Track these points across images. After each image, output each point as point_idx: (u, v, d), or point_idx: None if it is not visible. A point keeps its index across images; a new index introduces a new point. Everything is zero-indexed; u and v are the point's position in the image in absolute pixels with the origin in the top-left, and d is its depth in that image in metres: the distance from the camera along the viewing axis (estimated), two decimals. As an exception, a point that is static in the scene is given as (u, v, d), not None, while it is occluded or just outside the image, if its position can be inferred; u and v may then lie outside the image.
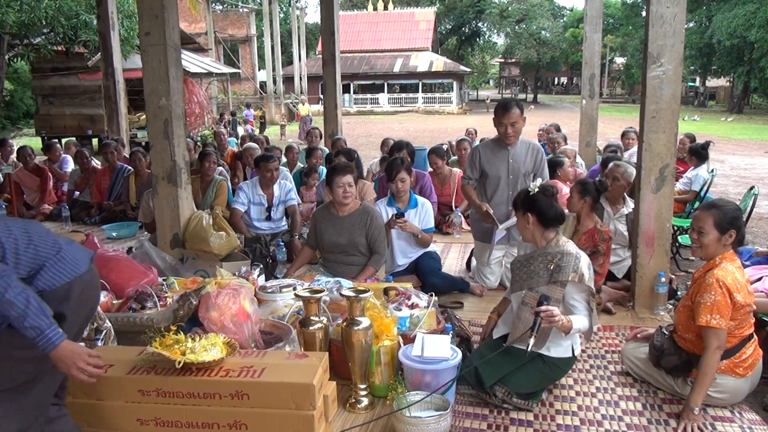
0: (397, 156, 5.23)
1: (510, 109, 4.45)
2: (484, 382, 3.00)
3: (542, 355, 3.01)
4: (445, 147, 7.42)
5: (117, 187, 7.61)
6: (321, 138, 8.91)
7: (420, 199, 4.80)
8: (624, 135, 8.22)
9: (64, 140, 16.04)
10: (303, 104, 24.82)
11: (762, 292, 3.83)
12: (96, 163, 8.50)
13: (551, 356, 3.01)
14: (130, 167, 7.55)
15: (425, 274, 4.56)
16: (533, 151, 4.63)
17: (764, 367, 3.16)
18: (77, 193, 8.02)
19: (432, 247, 4.85)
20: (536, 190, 3.16)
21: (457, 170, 6.76)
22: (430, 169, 6.92)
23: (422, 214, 4.71)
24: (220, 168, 7.27)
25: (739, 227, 2.95)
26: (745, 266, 4.26)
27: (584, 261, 3.04)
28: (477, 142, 8.77)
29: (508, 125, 4.46)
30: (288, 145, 8.13)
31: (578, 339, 3.13)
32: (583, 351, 3.65)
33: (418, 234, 4.59)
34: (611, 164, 5.03)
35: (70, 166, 8.68)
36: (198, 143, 10.80)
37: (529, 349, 2.77)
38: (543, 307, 2.81)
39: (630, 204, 4.73)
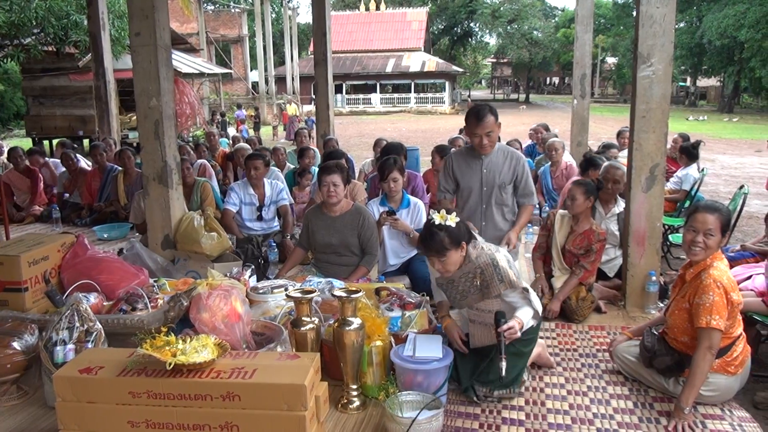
0: (390, 156, 5.20)
1: (483, 117, 3.89)
2: (462, 382, 3.07)
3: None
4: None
5: (107, 188, 7.58)
6: (309, 138, 8.90)
7: (412, 199, 4.80)
8: (619, 135, 8.27)
9: (54, 141, 16.01)
10: (290, 104, 24.75)
11: (752, 290, 3.85)
12: (87, 164, 8.46)
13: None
14: (119, 167, 7.52)
15: (416, 279, 4.48)
16: (512, 160, 4.09)
17: (753, 365, 3.18)
18: (67, 195, 7.98)
19: None
20: (447, 220, 2.96)
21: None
22: (428, 168, 6.89)
23: (414, 214, 4.71)
24: (202, 161, 7.25)
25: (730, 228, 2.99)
26: (732, 258, 4.31)
27: (503, 262, 3.02)
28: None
29: (483, 136, 3.92)
30: (274, 147, 8.12)
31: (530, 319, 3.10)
32: (574, 350, 3.67)
33: (410, 233, 4.57)
34: (607, 164, 4.98)
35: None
36: (189, 142, 10.75)
37: (503, 373, 2.76)
38: (504, 327, 2.81)
39: (621, 203, 4.75)
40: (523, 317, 2.95)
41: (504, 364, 2.75)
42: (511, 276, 2.99)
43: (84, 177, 7.80)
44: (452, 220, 2.95)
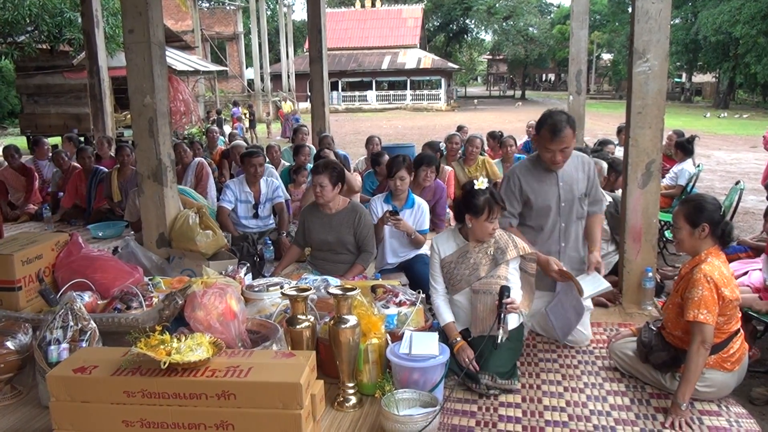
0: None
1: (560, 131, 3.37)
2: (470, 372, 3.10)
3: None
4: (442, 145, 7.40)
5: (94, 190, 7.51)
6: (309, 135, 8.87)
7: (417, 199, 4.72)
8: (620, 131, 8.29)
9: (50, 139, 15.91)
10: (286, 101, 24.70)
11: (748, 286, 3.86)
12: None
13: (509, 329, 3.19)
14: (105, 168, 7.51)
15: (423, 284, 4.02)
16: (584, 166, 3.67)
17: (750, 361, 3.18)
18: (61, 194, 7.92)
19: (424, 249, 4.79)
20: (486, 184, 3.21)
21: (447, 168, 6.72)
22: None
23: (418, 214, 4.63)
24: (199, 159, 7.20)
25: (715, 221, 2.94)
26: (728, 253, 4.31)
27: (512, 233, 3.39)
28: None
29: (557, 152, 3.45)
30: (268, 144, 8.10)
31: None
32: (571, 347, 3.67)
33: (411, 234, 4.54)
34: None
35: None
36: (185, 140, 10.68)
37: (500, 340, 3.01)
38: (509, 300, 3.07)
39: (607, 197, 4.74)
40: (517, 299, 3.19)
41: (501, 333, 3.00)
42: (523, 244, 3.30)
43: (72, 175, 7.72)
44: (484, 183, 3.20)
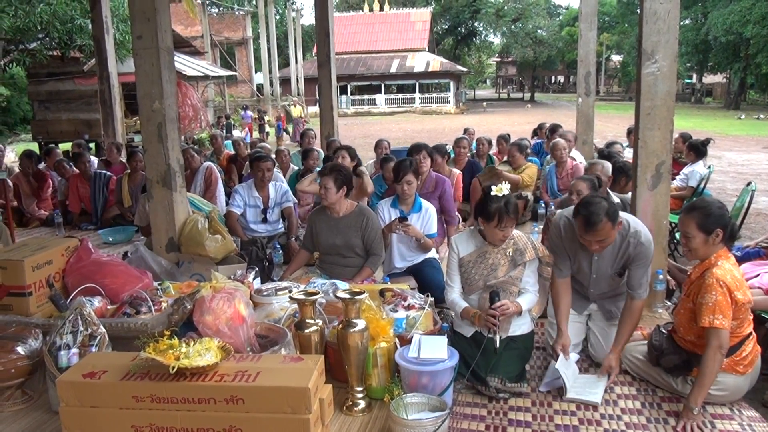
0: (405, 158, 4.93)
1: (596, 225, 3.04)
2: (480, 375, 3.11)
3: (513, 338, 3.24)
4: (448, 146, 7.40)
5: (98, 194, 7.56)
6: (316, 138, 8.88)
7: (424, 203, 4.69)
8: (629, 133, 8.28)
9: (61, 145, 16.04)
10: (295, 106, 24.74)
11: (759, 288, 3.82)
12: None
13: (518, 335, 3.28)
14: (108, 173, 7.55)
15: (432, 289, 4.04)
16: (629, 246, 3.25)
17: (763, 364, 3.14)
18: (69, 202, 7.97)
19: (432, 253, 4.76)
20: (505, 191, 3.20)
21: (456, 171, 6.71)
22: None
23: (425, 218, 4.60)
24: (208, 163, 7.21)
25: (725, 224, 2.91)
26: (737, 258, 4.26)
27: (530, 235, 3.43)
28: (474, 143, 8.74)
29: (593, 242, 3.14)
30: (277, 149, 8.10)
31: (528, 316, 3.36)
32: (581, 350, 3.64)
33: (420, 239, 4.51)
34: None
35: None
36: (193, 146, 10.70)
37: (497, 345, 3.07)
38: (498, 303, 3.11)
39: (614, 198, 4.69)
40: (523, 305, 3.21)
41: (497, 337, 3.09)
42: (543, 246, 3.35)
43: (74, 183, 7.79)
44: (503, 190, 3.21)
